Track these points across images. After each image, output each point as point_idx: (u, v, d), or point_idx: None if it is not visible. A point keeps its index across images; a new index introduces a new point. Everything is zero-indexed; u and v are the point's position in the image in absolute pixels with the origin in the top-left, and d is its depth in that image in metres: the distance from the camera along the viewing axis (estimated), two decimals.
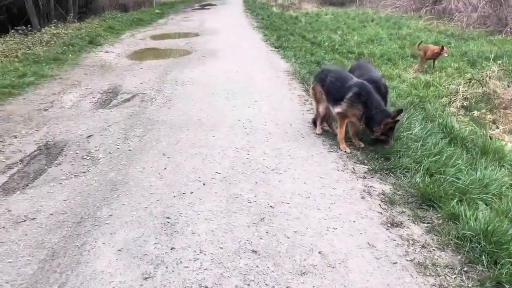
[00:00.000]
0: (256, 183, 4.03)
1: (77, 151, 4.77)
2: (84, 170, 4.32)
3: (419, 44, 9.90)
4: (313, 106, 5.46)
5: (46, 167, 4.43)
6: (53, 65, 8.63)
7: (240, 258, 2.96)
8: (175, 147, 4.81)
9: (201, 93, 6.88)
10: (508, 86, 8.01)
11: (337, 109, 4.81)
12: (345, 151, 4.77)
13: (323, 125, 5.41)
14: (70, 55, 9.50)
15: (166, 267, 2.85)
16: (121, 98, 6.75)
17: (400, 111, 4.59)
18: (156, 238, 3.17)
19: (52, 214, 3.51)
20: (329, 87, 4.97)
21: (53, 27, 12.81)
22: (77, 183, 4.05)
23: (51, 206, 3.64)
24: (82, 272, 2.81)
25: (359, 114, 4.64)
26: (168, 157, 4.54)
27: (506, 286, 2.72)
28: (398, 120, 4.53)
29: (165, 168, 4.29)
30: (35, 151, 4.80)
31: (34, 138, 5.14)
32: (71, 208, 3.61)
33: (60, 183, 4.05)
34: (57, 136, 5.19)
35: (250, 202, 3.69)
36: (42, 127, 5.48)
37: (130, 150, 4.76)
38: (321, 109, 5.19)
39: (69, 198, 3.77)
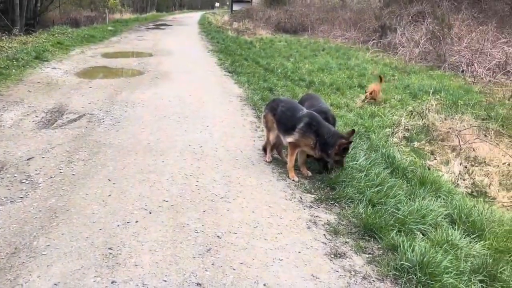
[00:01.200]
0: (204, 211, 4.01)
1: (15, 175, 4.51)
2: (21, 195, 4.09)
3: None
4: (264, 133, 5.56)
5: None
6: None
7: None
8: (122, 172, 4.69)
9: (152, 116, 6.79)
10: (445, 119, 8.60)
11: (289, 139, 4.93)
12: (294, 180, 4.88)
13: (273, 152, 5.52)
14: (13, 70, 9.05)
15: None
16: (66, 118, 6.51)
17: (352, 132, 4.87)
18: (96, 270, 3.04)
19: None
20: (280, 117, 5.10)
21: None
22: (13, 209, 3.82)
23: None
24: None
25: (312, 143, 4.78)
26: (114, 183, 4.41)
27: None
28: (351, 141, 4.75)
29: (109, 195, 4.16)
30: None
31: None
32: (5, 237, 3.39)
33: None
34: None
35: (197, 232, 3.65)
36: None
37: (74, 174, 4.57)
38: (272, 137, 5.30)
39: (4, 226, 3.54)
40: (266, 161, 5.37)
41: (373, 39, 18.70)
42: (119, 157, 5.10)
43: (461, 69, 13.17)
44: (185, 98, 8.05)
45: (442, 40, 14.70)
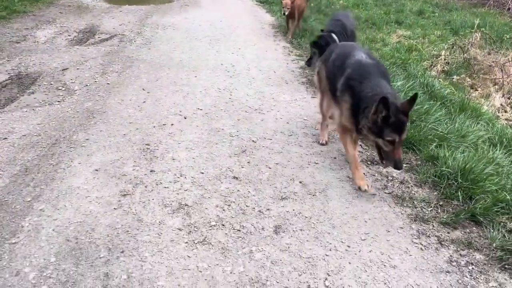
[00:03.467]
0: (239, 120, 3.97)
1: (52, 82, 4.55)
2: (59, 99, 4.14)
3: None
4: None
5: (18, 95, 4.22)
6: (26, 1, 8.12)
7: (221, 182, 2.93)
8: (156, 83, 4.66)
9: (183, 38, 6.65)
10: (489, 53, 8.12)
11: None
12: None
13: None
14: None
15: (145, 187, 2.79)
16: (98, 37, 6.46)
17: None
18: (134, 161, 3.09)
19: (24, 135, 3.36)
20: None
21: None
22: (51, 110, 3.89)
23: (23, 128, 3.48)
24: (57, 187, 2.72)
25: None
26: (148, 92, 4.40)
27: (480, 218, 2.80)
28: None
29: (144, 102, 4.16)
30: (6, 80, 4.55)
31: (5, 67, 4.86)
32: (45, 131, 3.46)
33: (33, 109, 3.87)
34: (30, 67, 4.93)
35: (232, 136, 3.64)
36: (14, 58, 5.19)
37: (108, 83, 4.58)
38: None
39: (43, 122, 3.61)
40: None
41: None
42: (152, 70, 5.05)
43: (507, 7, 12.27)
44: (215, 24, 7.82)
45: None
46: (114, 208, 2.56)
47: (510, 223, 2.82)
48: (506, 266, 2.41)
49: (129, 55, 5.57)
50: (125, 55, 5.57)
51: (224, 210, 2.64)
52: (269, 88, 4.86)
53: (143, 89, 4.47)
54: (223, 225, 2.50)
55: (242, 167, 3.15)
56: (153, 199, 2.66)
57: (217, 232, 2.42)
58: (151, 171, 2.98)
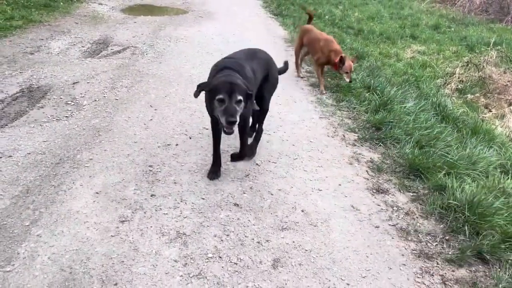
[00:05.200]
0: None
1: (61, 96, 4.59)
2: (67, 115, 4.16)
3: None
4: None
5: (27, 109, 4.26)
6: (43, 11, 8.26)
7: (222, 209, 2.89)
8: (164, 100, 4.67)
9: (194, 52, 6.67)
10: (504, 73, 7.95)
11: None
12: None
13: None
14: (61, 3, 9.09)
15: (145, 212, 2.77)
16: (111, 49, 6.51)
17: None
18: (136, 184, 3.08)
19: (29, 153, 3.38)
20: None
21: None
22: (58, 126, 3.91)
23: (29, 145, 3.50)
24: (56, 210, 2.71)
25: None
26: (155, 109, 4.41)
27: (487, 256, 2.71)
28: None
29: (151, 119, 4.16)
30: (17, 92, 4.60)
31: (17, 80, 4.93)
32: (50, 149, 3.48)
33: (40, 125, 3.89)
34: (41, 80, 4.98)
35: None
36: (27, 70, 5.25)
37: (117, 99, 4.60)
38: None
39: (49, 139, 3.63)
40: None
41: None
42: (161, 86, 5.06)
43: None
44: (228, 37, 7.83)
45: None
46: (112, 236, 2.54)
47: None
48: None
49: (139, 69, 5.60)
50: (136, 69, 5.60)
51: (222, 240, 2.60)
52: (277, 107, 4.82)
53: (151, 106, 4.47)
54: (220, 257, 2.46)
55: (244, 193, 3.11)
56: (151, 227, 2.64)
57: (213, 265, 2.38)
58: (152, 195, 2.96)
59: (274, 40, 8.05)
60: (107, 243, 2.47)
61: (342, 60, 5.37)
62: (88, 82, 5.01)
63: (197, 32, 7.99)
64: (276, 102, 4.96)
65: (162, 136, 3.84)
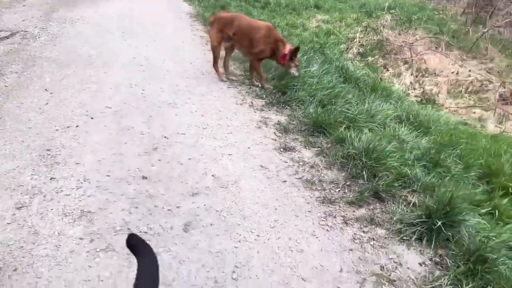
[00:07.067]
0: (151, 116, 3.85)
1: None
2: None
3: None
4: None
5: None
6: None
7: (129, 184, 2.82)
8: (60, 83, 4.37)
9: (93, 32, 6.29)
10: (399, 34, 8.61)
11: None
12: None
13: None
14: None
15: (44, 196, 2.61)
16: None
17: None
18: (33, 169, 2.88)
19: None
20: None
21: None
22: None
23: None
24: None
25: None
26: (51, 93, 4.11)
27: (382, 195, 2.96)
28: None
29: (46, 103, 3.89)
30: None
31: None
32: None
33: None
34: None
35: (143, 134, 3.52)
36: None
37: (6, 86, 4.22)
38: None
39: None
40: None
41: None
42: (57, 69, 4.73)
43: None
44: (130, 15, 7.49)
45: None
46: (8, 223, 2.37)
47: (410, 196, 3.02)
48: (404, 238, 2.58)
49: (31, 54, 5.16)
50: (27, 54, 5.15)
51: (131, 213, 2.55)
52: (185, 81, 4.76)
53: (46, 90, 4.17)
54: (129, 228, 2.41)
55: (153, 166, 3.06)
56: (52, 209, 2.50)
57: (122, 237, 2.33)
58: (51, 178, 2.79)
59: (179, 16, 7.87)
60: (3, 231, 2.30)
61: (295, 52, 4.58)
62: None
63: (95, 12, 7.51)
64: (183, 76, 4.90)
65: (60, 119, 3.61)
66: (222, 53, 4.98)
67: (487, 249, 2.30)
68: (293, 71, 4.70)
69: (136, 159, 3.13)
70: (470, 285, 2.19)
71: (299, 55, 4.85)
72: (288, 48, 4.59)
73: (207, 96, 4.43)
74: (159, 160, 3.15)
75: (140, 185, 2.82)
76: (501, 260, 2.27)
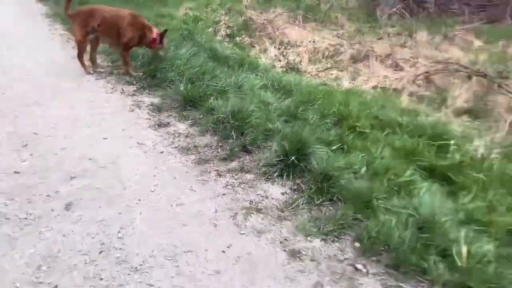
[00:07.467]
0: (16, 116, 3.75)
1: None
2: None
3: None
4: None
5: None
6: None
7: (1, 181, 2.80)
8: None
9: None
10: (261, 13, 9.25)
11: None
12: None
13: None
14: None
15: None
16: None
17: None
18: None
19: None
20: None
21: None
22: None
23: None
24: None
25: None
26: None
27: (249, 147, 3.37)
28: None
29: None
30: None
31: None
32: None
33: None
34: None
35: (10, 133, 3.44)
36: None
37: None
38: None
39: None
40: None
41: None
42: None
43: None
44: None
45: None
46: None
47: (273, 145, 3.48)
48: (269, 177, 3.01)
49: None
50: None
51: (7, 205, 2.56)
52: (50, 79, 4.66)
53: None
54: (8, 218, 2.44)
55: (24, 161, 3.05)
56: None
57: (2, 227, 2.36)
58: None
59: (34, 18, 7.45)
60: None
61: (163, 34, 4.86)
62: None
63: None
64: (47, 74, 4.78)
65: None
66: (88, 47, 4.97)
67: (330, 169, 2.83)
68: (163, 53, 4.99)
69: (4, 159, 3.08)
70: (320, 200, 2.70)
71: (167, 41, 5.07)
72: (156, 32, 4.83)
73: (75, 90, 4.42)
74: (30, 155, 3.14)
75: (13, 180, 2.81)
76: (340, 177, 2.82)
